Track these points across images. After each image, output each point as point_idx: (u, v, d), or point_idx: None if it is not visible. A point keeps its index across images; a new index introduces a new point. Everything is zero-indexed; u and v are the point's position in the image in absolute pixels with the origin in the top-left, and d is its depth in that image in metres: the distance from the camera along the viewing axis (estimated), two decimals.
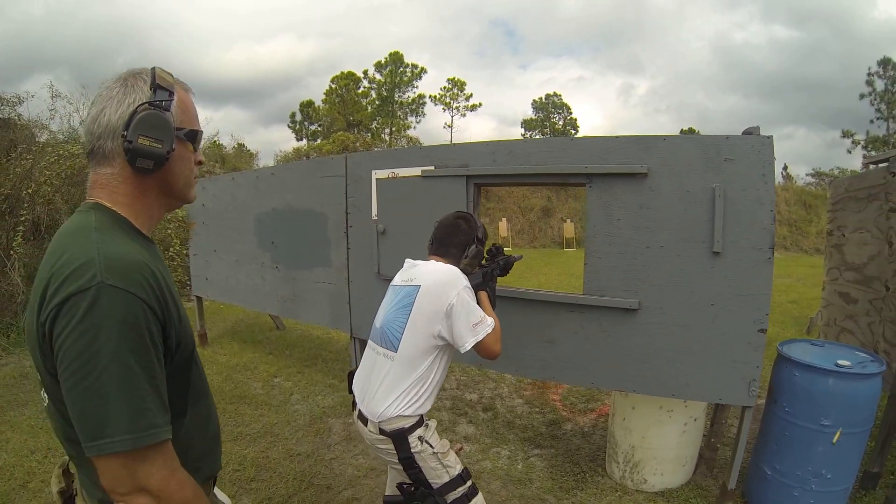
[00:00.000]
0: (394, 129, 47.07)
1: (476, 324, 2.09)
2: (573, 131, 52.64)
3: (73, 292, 0.95)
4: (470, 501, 2.18)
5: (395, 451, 2.13)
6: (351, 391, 2.36)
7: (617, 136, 2.97)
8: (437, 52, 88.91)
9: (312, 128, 48.06)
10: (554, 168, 3.09)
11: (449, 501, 2.13)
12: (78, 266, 0.97)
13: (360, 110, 47.42)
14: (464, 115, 52.22)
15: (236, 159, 17.89)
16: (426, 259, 2.36)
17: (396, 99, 48.47)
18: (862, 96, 38.44)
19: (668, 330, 2.88)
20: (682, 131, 50.43)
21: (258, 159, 20.64)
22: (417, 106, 49.51)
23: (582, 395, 4.88)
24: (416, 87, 49.27)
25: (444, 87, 51.34)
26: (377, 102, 48.45)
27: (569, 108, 53.87)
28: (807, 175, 33.77)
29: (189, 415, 1.19)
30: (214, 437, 1.33)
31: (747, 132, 2.77)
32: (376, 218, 3.87)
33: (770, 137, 2.69)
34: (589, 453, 3.77)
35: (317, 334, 6.78)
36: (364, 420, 2.21)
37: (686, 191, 2.78)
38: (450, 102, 51.24)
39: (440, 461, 2.14)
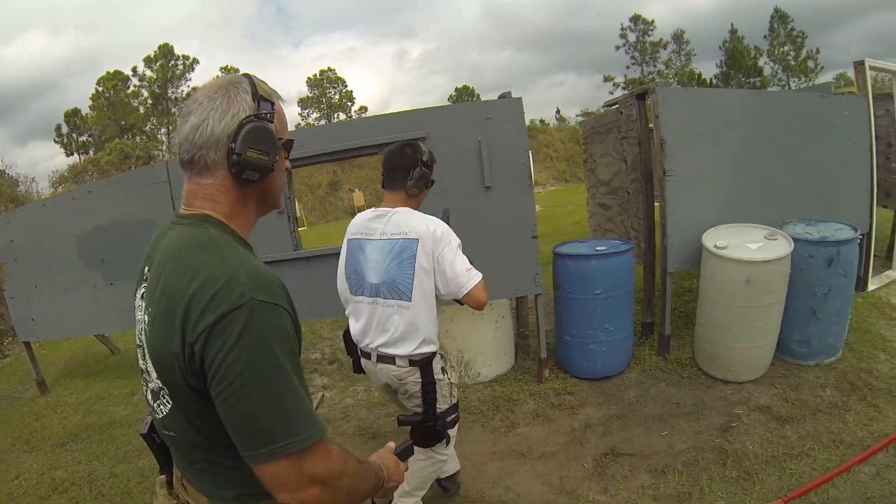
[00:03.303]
0: (171, 127, 44.96)
1: (468, 269, 2.51)
2: (349, 104, 54.97)
3: (225, 311, 1.02)
4: (454, 426, 2.78)
5: (419, 379, 2.57)
6: (350, 351, 2.84)
7: (403, 112, 4.08)
8: (207, 38, 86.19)
9: (82, 139, 44.86)
10: (351, 144, 4.06)
11: (448, 421, 2.67)
12: (223, 285, 1.04)
13: (132, 112, 44.89)
14: None
15: (10, 188, 16.53)
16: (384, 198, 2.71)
17: (170, 95, 46.39)
18: (617, 48, 50.03)
19: (465, 250, 4.03)
20: (456, 89, 54.86)
21: (34, 182, 19.31)
22: None
23: None
24: (190, 79, 47.72)
25: (217, 77, 50.25)
26: (150, 102, 46.01)
27: (344, 82, 55.35)
28: (577, 116, 39.60)
29: None
30: None
31: (502, 96, 4.00)
32: None
33: (519, 98, 3.94)
34: None
35: None
36: (388, 359, 2.60)
37: (459, 144, 3.92)
38: None
39: (450, 392, 2.68)
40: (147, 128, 45.64)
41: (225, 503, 1.26)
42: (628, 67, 50.28)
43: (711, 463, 3.26)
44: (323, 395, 4.58)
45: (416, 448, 2.56)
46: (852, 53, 63.44)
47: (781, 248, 4.03)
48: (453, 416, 2.71)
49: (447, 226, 2.59)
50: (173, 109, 46.37)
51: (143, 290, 1.25)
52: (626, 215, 5.14)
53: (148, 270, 1.23)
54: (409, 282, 2.52)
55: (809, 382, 4.09)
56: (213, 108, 1.17)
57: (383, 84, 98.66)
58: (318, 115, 54.06)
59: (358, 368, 2.84)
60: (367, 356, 2.69)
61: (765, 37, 46.93)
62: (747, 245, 4.14)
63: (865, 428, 3.44)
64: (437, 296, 2.56)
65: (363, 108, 55.98)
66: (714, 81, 44.90)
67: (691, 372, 4.34)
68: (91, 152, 40.82)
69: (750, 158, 4.62)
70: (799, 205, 4.82)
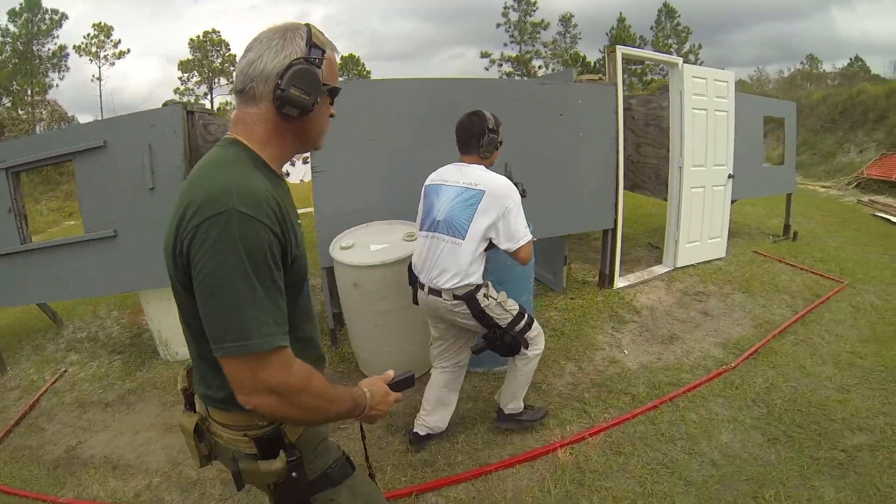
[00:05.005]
0: (36, 89, 42.59)
1: (526, 226, 2.94)
2: (231, 68, 51.83)
3: (209, 216, 1.18)
4: (530, 328, 3.19)
5: (468, 311, 3.02)
6: (411, 282, 3.26)
7: (84, 124, 4.72)
8: None
9: None
10: (59, 151, 4.63)
11: (517, 330, 3.10)
12: (215, 193, 1.20)
13: None
14: (112, 65, 49.54)
15: None
16: (459, 160, 3.17)
17: (36, 52, 43.77)
18: (498, 25, 52.33)
19: (141, 244, 4.55)
20: (342, 58, 54.01)
21: None
22: (59, 59, 45.35)
23: None
24: (57, 36, 45.01)
25: (89, 35, 47.73)
26: (15, 60, 43.34)
27: (227, 45, 52.84)
28: None
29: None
30: (314, 361, 1.47)
31: (166, 104, 4.61)
32: None
33: (178, 106, 4.52)
34: (144, 346, 5.58)
35: None
36: (437, 293, 3.06)
37: (127, 148, 4.48)
38: (96, 52, 48.16)
39: (503, 307, 3.09)
40: (13, 87, 43.14)
41: (208, 401, 1.48)
42: (505, 45, 52.84)
43: None
44: (65, 371, 5.15)
45: (507, 357, 3.24)
46: (745, 56, 72.44)
47: (404, 251, 3.91)
48: (520, 323, 3.14)
49: (511, 183, 3.02)
50: (41, 69, 44.19)
51: None
52: None
53: None
54: (466, 223, 2.96)
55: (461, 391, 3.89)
56: (270, 48, 1.35)
57: None
58: (198, 80, 52.42)
59: (415, 300, 3.31)
60: (423, 287, 3.16)
61: (651, 28, 50.74)
62: (371, 246, 4.10)
63: (443, 462, 3.42)
64: (491, 243, 3.00)
65: None
66: (597, 65, 47.36)
67: (347, 368, 4.62)
68: None
69: (427, 151, 4.35)
70: None
